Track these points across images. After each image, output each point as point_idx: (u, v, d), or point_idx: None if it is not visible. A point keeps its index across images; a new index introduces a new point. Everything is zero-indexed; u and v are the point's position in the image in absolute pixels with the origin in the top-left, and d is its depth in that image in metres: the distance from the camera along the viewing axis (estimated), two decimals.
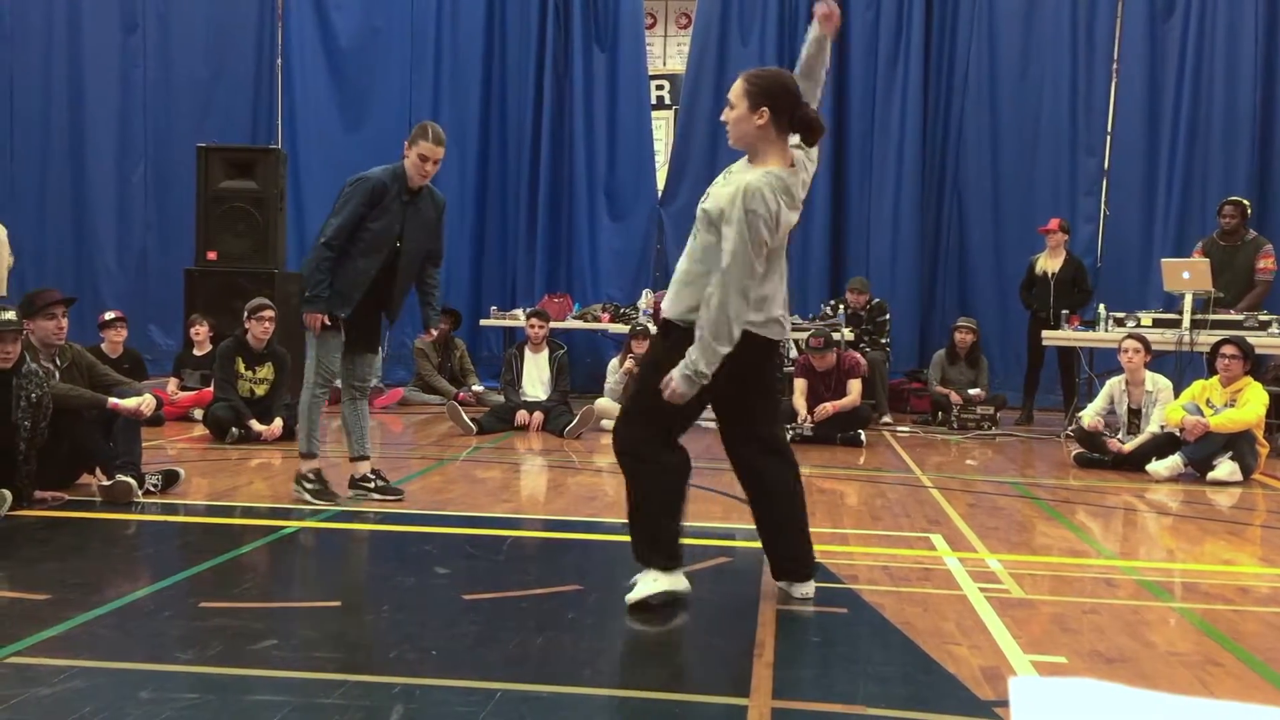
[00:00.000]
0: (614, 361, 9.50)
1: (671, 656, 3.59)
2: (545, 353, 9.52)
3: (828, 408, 8.66)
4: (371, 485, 5.96)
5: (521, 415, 9.12)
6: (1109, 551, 5.30)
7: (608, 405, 9.21)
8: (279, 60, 12.65)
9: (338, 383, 6.07)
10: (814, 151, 4.11)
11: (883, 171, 11.76)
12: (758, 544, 5.08)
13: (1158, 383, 7.94)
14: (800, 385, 8.95)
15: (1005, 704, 3.11)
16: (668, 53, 12.98)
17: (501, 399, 9.63)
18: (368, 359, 6.04)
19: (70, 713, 2.88)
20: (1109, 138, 11.51)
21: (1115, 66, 11.46)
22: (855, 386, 8.82)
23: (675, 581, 4.00)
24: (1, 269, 9.29)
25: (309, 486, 5.82)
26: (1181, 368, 8.69)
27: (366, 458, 6.05)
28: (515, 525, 5.54)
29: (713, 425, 4.25)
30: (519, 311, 11.26)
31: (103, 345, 8.73)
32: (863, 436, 8.69)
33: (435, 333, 6.42)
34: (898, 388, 11.04)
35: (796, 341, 9.89)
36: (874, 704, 3.11)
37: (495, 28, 12.47)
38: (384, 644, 3.54)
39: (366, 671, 3.26)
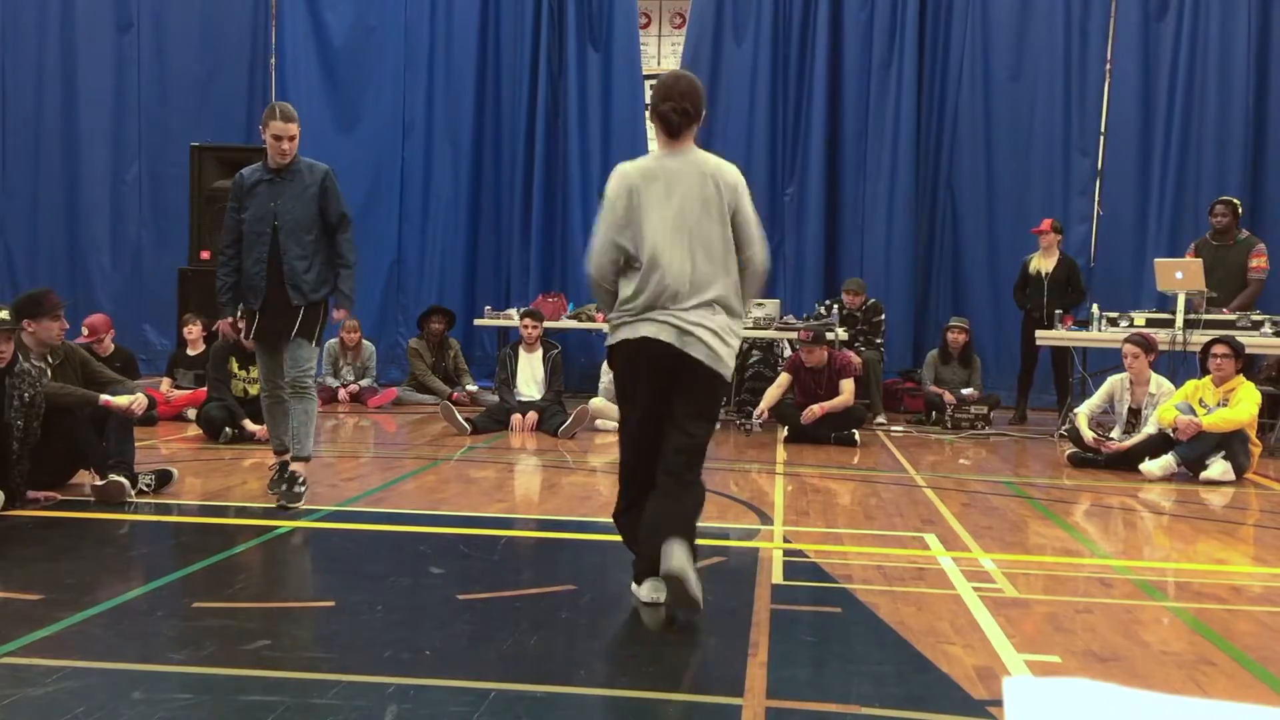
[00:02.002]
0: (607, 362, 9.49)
1: (666, 656, 3.59)
2: (540, 352, 9.52)
3: (816, 410, 8.66)
4: (279, 484, 5.84)
5: (515, 416, 9.12)
6: (1103, 551, 5.31)
7: (602, 405, 9.21)
8: (273, 59, 12.63)
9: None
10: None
11: (877, 172, 11.76)
12: (752, 544, 5.08)
13: (1162, 385, 7.93)
14: (783, 380, 8.94)
15: (999, 703, 3.11)
16: (662, 52, 12.98)
17: (496, 399, 9.63)
18: (295, 350, 5.86)
19: (63, 713, 2.87)
20: (1102, 137, 11.52)
21: (1109, 66, 11.47)
22: (848, 386, 8.83)
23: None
24: None
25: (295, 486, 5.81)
26: (1174, 367, 8.70)
27: (286, 450, 5.99)
28: (509, 525, 5.54)
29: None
30: (513, 311, 11.25)
31: (95, 347, 8.71)
32: (857, 436, 8.69)
33: (340, 314, 6.15)
34: (892, 387, 11.05)
35: (791, 342, 9.91)
36: (869, 703, 3.12)
37: (489, 27, 12.45)
38: (378, 644, 3.53)
39: (360, 671, 3.26)
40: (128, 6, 12.50)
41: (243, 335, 5.98)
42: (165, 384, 9.32)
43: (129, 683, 3.11)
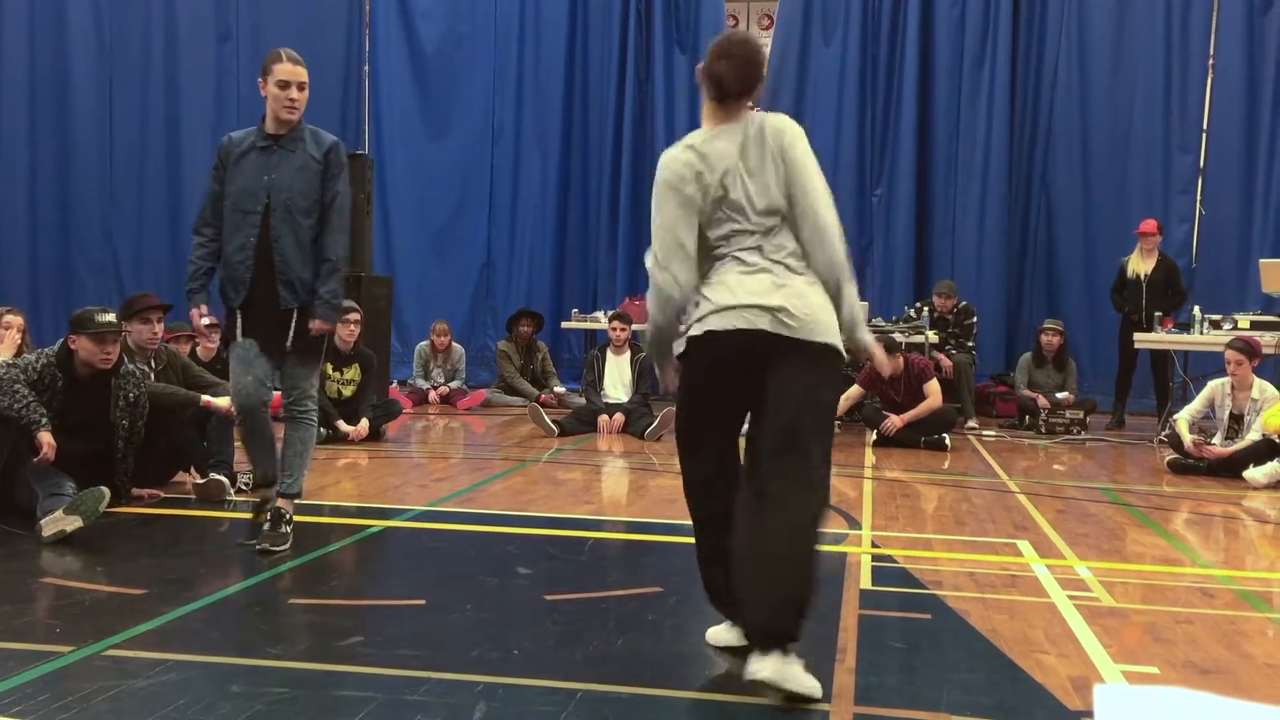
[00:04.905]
0: None
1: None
2: (627, 355, 9.55)
3: (896, 421, 8.54)
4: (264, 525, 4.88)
5: (603, 418, 9.16)
6: (1204, 560, 5.15)
7: None
8: (366, 68, 12.88)
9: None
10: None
11: (968, 172, 11.58)
12: (840, 548, 5.03)
13: (1265, 390, 7.67)
14: (853, 393, 8.73)
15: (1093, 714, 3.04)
16: None
17: (583, 401, 9.69)
18: (291, 369, 4.90)
19: (165, 705, 2.96)
20: (1204, 134, 11.20)
21: (1211, 62, 11.15)
22: (933, 388, 8.66)
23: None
24: None
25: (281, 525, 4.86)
26: None
27: (271, 480, 5.04)
28: (596, 527, 5.56)
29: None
30: (600, 314, 11.32)
31: (197, 350, 8.95)
32: (947, 440, 8.56)
33: (318, 326, 4.80)
34: (983, 391, 10.87)
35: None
36: (958, 712, 3.07)
37: (577, 31, 12.55)
38: (467, 642, 3.58)
39: (450, 669, 3.30)
40: (228, 18, 12.84)
41: (227, 338, 4.96)
42: None
43: (228, 676, 3.19)
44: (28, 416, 5.12)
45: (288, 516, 4.87)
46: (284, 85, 4.76)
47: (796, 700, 3.06)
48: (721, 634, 3.58)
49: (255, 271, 4.74)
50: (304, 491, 5.08)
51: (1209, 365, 9.18)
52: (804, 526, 3.16)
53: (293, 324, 4.79)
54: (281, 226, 4.72)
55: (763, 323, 3.18)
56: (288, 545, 4.76)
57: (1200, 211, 11.22)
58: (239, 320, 4.82)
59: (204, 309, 4.93)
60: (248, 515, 5.39)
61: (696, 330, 3.28)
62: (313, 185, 4.78)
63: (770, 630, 3.09)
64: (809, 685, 3.08)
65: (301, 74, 4.80)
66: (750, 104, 3.41)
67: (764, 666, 3.06)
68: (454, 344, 11.21)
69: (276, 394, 5.03)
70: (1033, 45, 11.58)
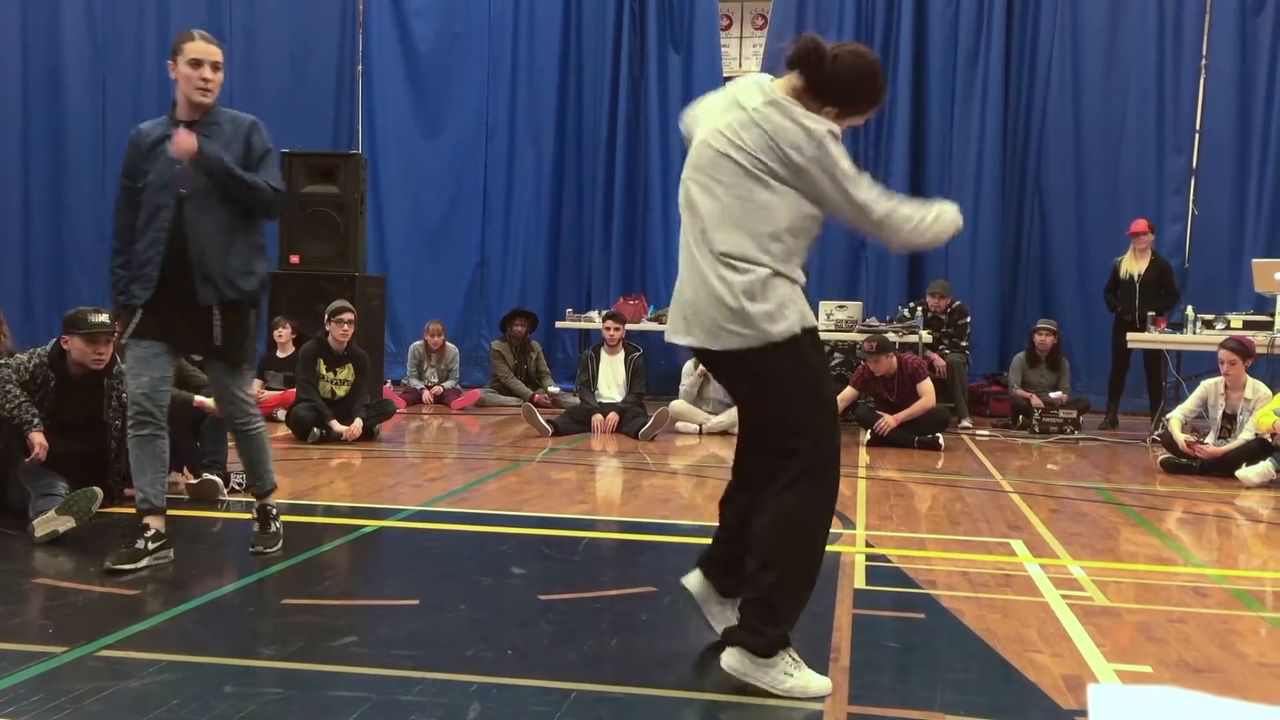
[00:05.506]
0: (689, 364, 9.49)
1: None
2: (621, 355, 9.56)
3: (890, 420, 8.55)
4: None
5: (597, 417, 9.16)
6: (1197, 559, 5.17)
7: (682, 407, 9.22)
8: (359, 67, 12.87)
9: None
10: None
11: (962, 172, 11.60)
12: (834, 548, 5.04)
13: (1259, 390, 7.69)
14: (846, 394, 8.74)
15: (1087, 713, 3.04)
16: (743, 54, 12.94)
17: (577, 401, 9.69)
18: (225, 380, 4.57)
19: (158, 705, 2.95)
20: (1197, 135, 11.23)
21: (1204, 62, 11.18)
22: (926, 388, 8.67)
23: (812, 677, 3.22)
24: None
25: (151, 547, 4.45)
26: (1273, 371, 8.44)
27: (152, 507, 4.54)
28: (590, 526, 5.56)
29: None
30: (595, 314, 11.33)
31: None
32: (941, 440, 8.57)
33: (180, 140, 4.27)
34: (977, 391, 10.88)
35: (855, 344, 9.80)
36: (952, 711, 3.07)
37: (571, 31, 12.55)
38: (461, 642, 3.57)
39: (444, 669, 3.30)
40: (220, 18, 12.82)
41: (119, 337, 4.60)
42: (256, 386, 9.54)
43: (221, 676, 3.19)
44: (20, 416, 5.11)
45: (274, 513, 4.79)
46: (196, 64, 4.36)
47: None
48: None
49: (165, 268, 4.33)
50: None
51: (1202, 365, 9.20)
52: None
53: (216, 322, 4.40)
54: (197, 215, 4.33)
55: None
56: (279, 545, 4.72)
57: (1193, 211, 11.24)
58: (138, 319, 4.42)
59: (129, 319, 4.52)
60: (244, 515, 5.37)
61: (810, 322, 3.22)
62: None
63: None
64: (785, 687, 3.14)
65: (215, 53, 4.42)
66: None
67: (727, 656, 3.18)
68: (448, 344, 11.20)
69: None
70: (1026, 45, 11.60)
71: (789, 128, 3.10)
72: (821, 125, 3.10)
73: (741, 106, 3.19)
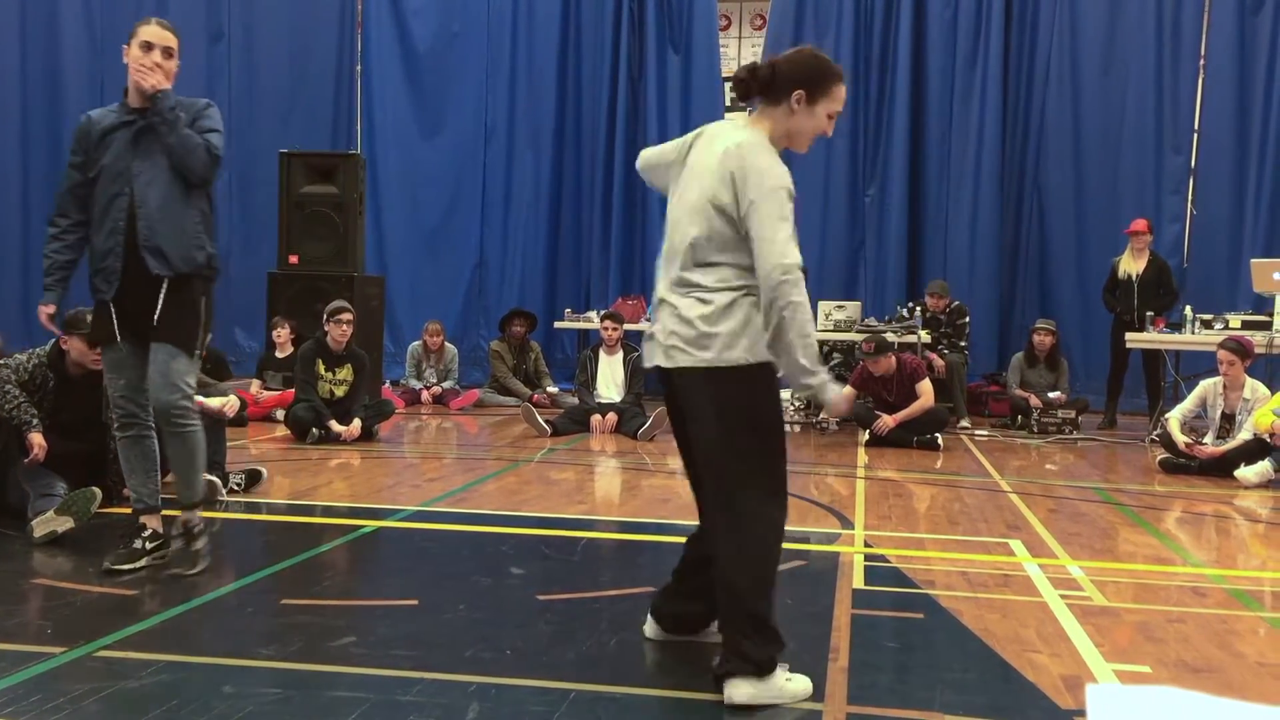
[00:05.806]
0: None
1: None
2: (620, 355, 9.56)
3: (889, 421, 8.56)
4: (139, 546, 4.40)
5: (595, 418, 9.16)
6: (1196, 559, 5.17)
7: None
8: (358, 67, 12.87)
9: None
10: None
11: (961, 171, 11.61)
12: (832, 548, 5.04)
13: (1257, 390, 7.69)
14: (846, 394, 8.73)
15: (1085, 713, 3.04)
16: (742, 54, 12.94)
17: (576, 401, 9.69)
18: (163, 362, 4.25)
19: (157, 705, 2.95)
20: (1196, 135, 11.23)
21: (1202, 62, 11.18)
22: (925, 388, 8.68)
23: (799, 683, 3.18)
24: None
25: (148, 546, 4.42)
26: (1272, 371, 8.44)
27: (146, 506, 4.48)
28: (589, 527, 5.56)
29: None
30: (593, 314, 11.33)
31: None
32: (939, 440, 8.57)
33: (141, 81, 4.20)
34: (976, 391, 10.89)
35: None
36: (951, 711, 3.07)
37: (570, 31, 12.54)
38: (460, 643, 3.57)
39: (443, 670, 3.30)
40: (219, 17, 12.82)
41: (98, 339, 4.42)
42: (255, 386, 9.55)
43: (220, 677, 3.19)
44: (19, 417, 5.11)
45: (197, 529, 4.39)
46: (147, 47, 4.22)
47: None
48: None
49: (127, 258, 4.21)
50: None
51: (1200, 365, 9.20)
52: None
53: (161, 293, 4.20)
54: (146, 190, 4.18)
55: None
56: (202, 568, 4.32)
57: (1191, 211, 11.25)
58: (113, 315, 4.28)
59: (53, 309, 4.40)
60: (243, 516, 5.37)
61: (767, 355, 3.08)
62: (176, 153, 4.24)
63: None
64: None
65: (169, 39, 4.29)
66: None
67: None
68: (446, 344, 11.20)
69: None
70: (1025, 45, 11.61)
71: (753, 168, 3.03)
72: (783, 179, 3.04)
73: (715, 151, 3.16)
